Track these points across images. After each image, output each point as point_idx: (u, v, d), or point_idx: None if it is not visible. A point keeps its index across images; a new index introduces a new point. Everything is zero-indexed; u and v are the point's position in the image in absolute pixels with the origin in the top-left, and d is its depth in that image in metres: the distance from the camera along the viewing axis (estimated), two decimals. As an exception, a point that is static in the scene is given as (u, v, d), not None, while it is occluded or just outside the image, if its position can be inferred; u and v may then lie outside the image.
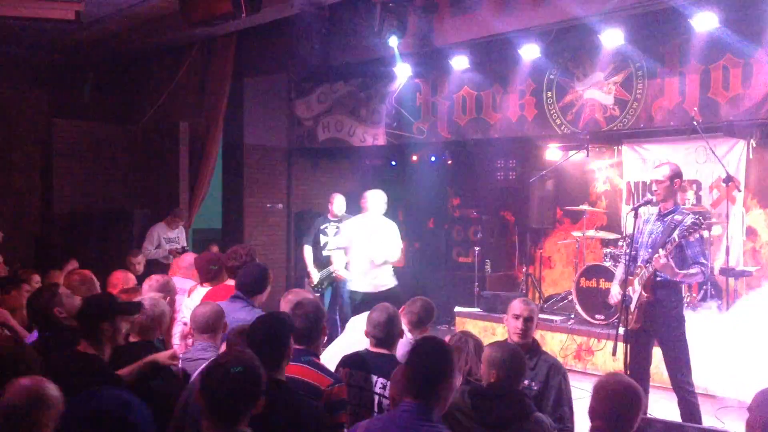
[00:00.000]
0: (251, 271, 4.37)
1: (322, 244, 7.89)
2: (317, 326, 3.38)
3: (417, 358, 2.63)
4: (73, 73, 9.25)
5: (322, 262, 7.75)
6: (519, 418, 2.91)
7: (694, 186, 7.61)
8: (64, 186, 8.50)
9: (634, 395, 2.65)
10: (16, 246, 7.89)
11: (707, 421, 4.81)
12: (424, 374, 2.57)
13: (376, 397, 3.39)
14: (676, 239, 4.35)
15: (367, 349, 3.57)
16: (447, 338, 3.47)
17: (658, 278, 4.55)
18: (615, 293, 4.87)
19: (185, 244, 8.32)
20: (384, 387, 3.36)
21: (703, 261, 4.51)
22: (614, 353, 4.63)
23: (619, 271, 5.12)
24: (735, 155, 7.27)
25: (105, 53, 8.90)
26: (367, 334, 3.59)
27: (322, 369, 3.25)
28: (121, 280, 4.94)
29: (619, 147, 8.30)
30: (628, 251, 4.89)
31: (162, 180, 8.74)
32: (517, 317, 3.84)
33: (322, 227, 7.94)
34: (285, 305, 4.04)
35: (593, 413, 2.68)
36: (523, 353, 3.25)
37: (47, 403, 2.25)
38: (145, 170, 9.01)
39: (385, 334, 3.53)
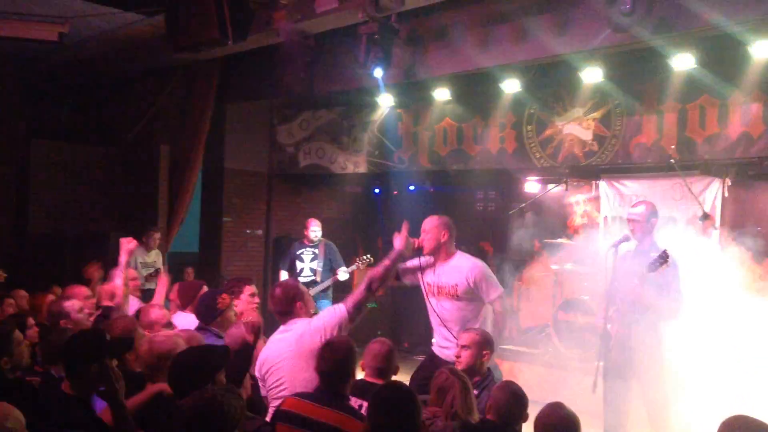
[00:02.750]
0: (202, 300, 4.38)
1: (298, 270, 7.89)
2: (347, 369, 3.27)
3: (381, 411, 2.58)
4: (52, 94, 9.17)
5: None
6: None
7: (670, 222, 7.70)
8: (40, 207, 8.39)
9: (572, 425, 2.79)
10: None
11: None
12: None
13: None
14: (646, 272, 4.40)
15: (363, 379, 3.58)
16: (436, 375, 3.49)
17: (637, 315, 4.58)
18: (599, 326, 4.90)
19: (160, 267, 8.22)
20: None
21: (679, 291, 4.55)
22: (594, 389, 4.64)
23: (601, 306, 5.16)
24: (711, 193, 7.38)
25: (85, 75, 8.85)
26: (364, 365, 3.60)
27: (355, 412, 3.16)
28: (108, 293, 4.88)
29: (597, 182, 8.40)
30: (607, 287, 4.92)
31: (140, 203, 8.67)
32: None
33: (298, 252, 7.95)
34: (227, 339, 3.95)
35: None
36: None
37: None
38: (124, 192, 8.93)
39: (385, 364, 3.57)
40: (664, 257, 4.31)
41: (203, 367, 2.90)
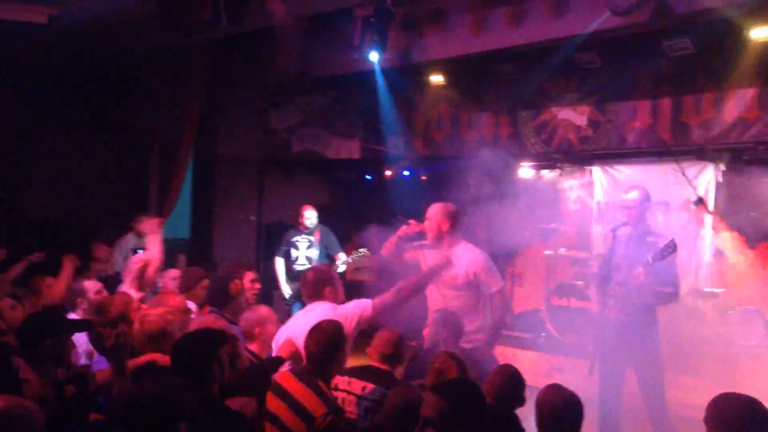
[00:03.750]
0: (214, 284, 4.39)
1: (293, 258, 7.83)
2: (333, 352, 3.31)
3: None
4: (42, 79, 9.04)
5: (294, 276, 7.68)
6: None
7: (663, 207, 7.71)
8: (35, 192, 8.31)
9: (575, 405, 2.83)
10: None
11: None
12: None
13: (364, 402, 3.43)
14: (650, 261, 4.40)
15: (370, 365, 3.64)
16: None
17: (634, 300, 4.59)
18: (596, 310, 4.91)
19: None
20: (373, 394, 3.41)
21: (676, 282, 4.58)
22: (591, 372, 4.65)
23: (592, 291, 5.17)
24: (705, 178, 7.41)
25: (76, 59, 8.72)
26: (371, 351, 3.67)
27: (324, 396, 3.19)
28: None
29: (591, 167, 8.39)
30: (602, 271, 4.92)
31: (132, 188, 8.59)
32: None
33: (293, 240, 7.89)
34: (242, 322, 4.03)
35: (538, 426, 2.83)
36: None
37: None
38: (116, 178, 8.84)
39: (392, 351, 3.63)
40: (672, 247, 4.31)
41: (205, 348, 2.92)
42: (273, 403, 3.22)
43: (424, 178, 10.01)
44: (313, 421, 3.03)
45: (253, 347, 3.88)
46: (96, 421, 2.85)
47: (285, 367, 3.56)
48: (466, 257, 4.73)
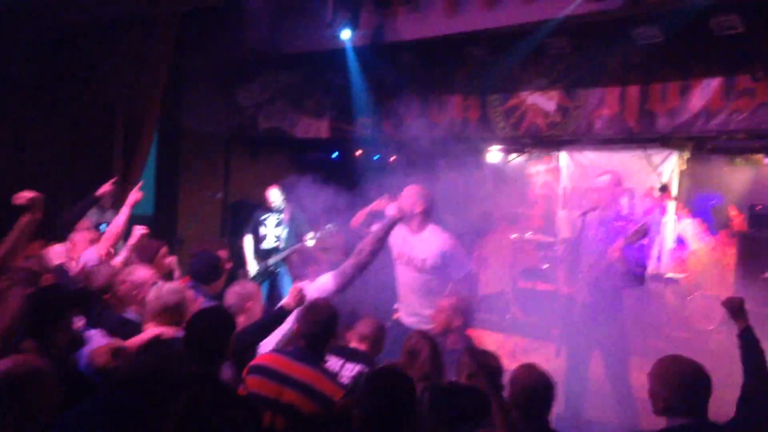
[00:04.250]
0: (204, 258, 4.32)
1: (261, 236, 7.77)
2: (328, 332, 3.30)
3: (375, 402, 2.56)
4: (1, 46, 8.72)
5: (261, 255, 7.63)
6: (481, 412, 2.92)
7: (628, 194, 7.84)
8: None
9: (547, 384, 2.88)
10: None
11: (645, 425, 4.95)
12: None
13: (345, 380, 3.44)
14: (623, 244, 4.46)
15: (346, 345, 3.68)
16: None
17: (602, 283, 4.65)
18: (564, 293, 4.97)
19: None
20: (352, 371, 3.45)
21: (644, 265, 4.66)
22: (557, 354, 4.72)
23: (561, 274, 5.23)
24: (669, 166, 7.55)
25: (34, 25, 8.42)
26: (350, 336, 3.70)
27: (335, 378, 3.21)
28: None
29: (558, 153, 8.48)
30: (571, 255, 4.99)
31: (95, 161, 8.36)
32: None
33: (261, 218, 7.82)
34: (232, 297, 3.99)
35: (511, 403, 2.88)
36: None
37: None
38: (78, 150, 8.59)
39: (372, 332, 3.69)
40: (643, 231, 4.37)
41: (225, 328, 2.95)
42: (264, 386, 3.12)
43: (392, 159, 9.99)
44: (331, 405, 2.99)
45: (240, 320, 3.85)
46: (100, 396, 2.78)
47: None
48: (434, 241, 4.74)
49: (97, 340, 3.24)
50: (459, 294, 4.43)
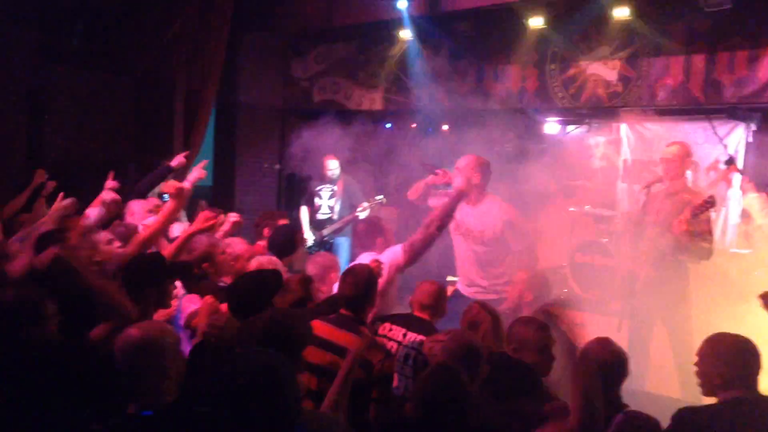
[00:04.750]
0: (283, 232, 4.41)
1: (316, 207, 7.85)
2: (367, 295, 3.34)
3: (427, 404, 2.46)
4: (63, 17, 8.90)
5: (316, 225, 7.71)
6: (530, 391, 2.90)
7: (692, 167, 7.61)
8: (54, 133, 8.25)
9: (621, 359, 2.85)
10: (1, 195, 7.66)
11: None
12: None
13: (405, 350, 3.43)
14: (688, 215, 4.35)
15: (410, 313, 3.64)
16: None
17: (666, 257, 4.56)
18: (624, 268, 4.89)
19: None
20: (413, 342, 3.41)
21: (711, 238, 4.54)
22: (619, 328, 4.65)
23: (624, 247, 5.13)
24: (735, 138, 7.29)
25: (97, -1, 8.59)
26: (413, 300, 3.65)
27: (375, 342, 3.24)
28: None
29: (619, 124, 8.27)
30: (635, 227, 4.89)
31: (155, 133, 8.54)
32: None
33: (317, 189, 7.89)
34: (314, 267, 4.07)
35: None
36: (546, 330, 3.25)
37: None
38: (139, 122, 8.78)
39: (433, 302, 3.59)
40: (711, 202, 4.26)
41: (262, 291, 3.03)
42: (315, 355, 3.16)
43: (445, 128, 9.89)
44: (371, 367, 3.04)
45: (322, 289, 3.95)
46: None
47: None
48: (494, 211, 4.70)
49: (194, 303, 3.41)
50: (526, 267, 4.42)
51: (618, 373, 2.83)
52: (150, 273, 3.08)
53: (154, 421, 2.18)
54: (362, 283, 3.32)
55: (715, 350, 2.82)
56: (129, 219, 5.21)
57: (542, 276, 4.34)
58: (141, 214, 5.21)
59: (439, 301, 3.65)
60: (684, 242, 4.38)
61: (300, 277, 3.72)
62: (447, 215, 4.20)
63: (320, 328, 3.25)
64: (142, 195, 5.25)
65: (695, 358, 4.54)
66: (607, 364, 2.77)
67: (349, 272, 3.40)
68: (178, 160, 5.42)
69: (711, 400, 2.84)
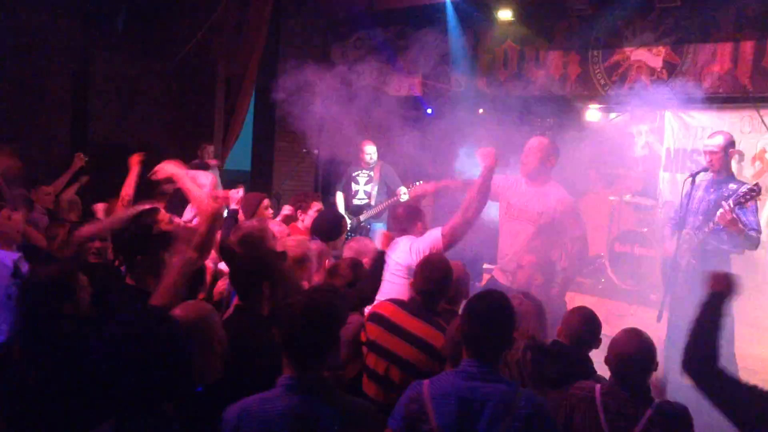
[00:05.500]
0: (327, 217, 4.44)
1: (353, 192, 7.86)
2: (443, 287, 3.30)
3: (479, 318, 2.46)
4: (107, 3, 9.06)
5: (353, 210, 7.73)
6: (579, 377, 2.88)
7: (737, 156, 7.44)
8: (98, 117, 8.42)
9: (649, 350, 2.76)
10: (45, 175, 7.85)
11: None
12: (488, 337, 2.41)
13: None
14: (732, 205, 4.26)
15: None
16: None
17: (708, 246, 4.47)
18: (668, 249, 4.80)
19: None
20: None
21: (758, 228, 4.44)
22: (659, 319, 4.59)
23: (667, 233, 5.04)
24: (783, 127, 7.10)
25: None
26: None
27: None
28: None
29: (662, 112, 8.10)
30: (678, 216, 4.80)
31: (197, 118, 8.65)
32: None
33: (354, 174, 7.90)
34: (348, 252, 4.09)
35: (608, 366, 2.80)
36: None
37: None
38: (180, 107, 8.90)
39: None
40: (756, 190, 4.17)
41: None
42: (382, 336, 3.21)
43: (481, 112, 9.79)
44: (444, 359, 3.02)
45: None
46: None
47: None
48: (555, 196, 4.68)
49: None
50: (570, 253, 4.40)
51: (645, 364, 2.75)
52: (139, 241, 3.15)
53: (205, 398, 2.22)
54: (437, 278, 3.28)
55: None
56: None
57: (548, 261, 4.31)
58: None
59: (458, 285, 3.61)
60: (729, 232, 4.29)
61: (350, 261, 3.75)
62: (483, 195, 4.13)
63: (393, 312, 3.27)
64: None
65: (734, 352, 4.48)
66: (633, 355, 2.72)
67: (425, 264, 3.35)
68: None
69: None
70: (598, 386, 2.76)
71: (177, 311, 2.34)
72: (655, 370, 2.86)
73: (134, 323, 1.98)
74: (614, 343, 2.84)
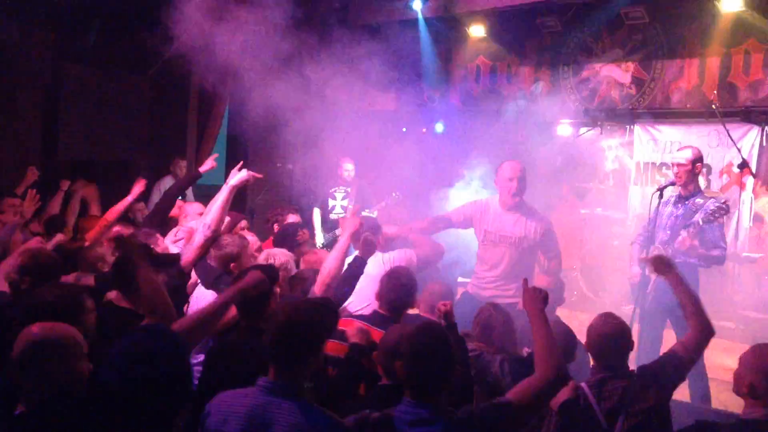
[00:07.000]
0: (284, 229, 4.51)
1: (329, 207, 7.88)
2: (407, 298, 3.40)
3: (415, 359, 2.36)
4: (79, 17, 8.98)
5: (329, 226, 7.74)
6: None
7: (704, 170, 7.59)
8: (69, 133, 8.32)
9: (624, 332, 3.04)
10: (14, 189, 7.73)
11: (715, 404, 4.86)
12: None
13: None
14: (700, 223, 4.35)
15: (417, 314, 3.69)
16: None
17: (678, 260, 4.54)
18: (635, 273, 4.88)
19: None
20: None
21: (723, 245, 4.53)
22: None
23: (635, 252, 5.12)
24: (748, 141, 7.25)
25: (112, -3, 8.65)
26: (419, 301, 3.69)
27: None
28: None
29: (632, 126, 8.24)
30: (647, 231, 4.88)
31: (169, 132, 8.60)
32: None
33: (331, 190, 7.92)
34: (303, 265, 4.10)
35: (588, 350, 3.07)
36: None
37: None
38: (153, 121, 8.85)
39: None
40: (725, 208, 4.26)
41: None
42: (340, 350, 3.16)
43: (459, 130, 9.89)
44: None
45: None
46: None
47: None
48: (533, 218, 4.76)
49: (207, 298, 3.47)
50: (549, 269, 4.48)
51: (622, 341, 3.01)
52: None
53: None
54: (402, 287, 3.37)
55: (757, 360, 2.73)
56: (183, 219, 5.31)
57: (559, 279, 4.42)
58: (193, 216, 5.30)
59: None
60: (693, 252, 4.40)
61: (290, 277, 3.80)
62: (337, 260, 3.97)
63: (351, 325, 3.27)
64: (172, 199, 5.27)
65: (703, 363, 4.56)
66: (611, 335, 2.97)
67: (391, 275, 3.41)
68: (208, 165, 5.49)
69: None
70: (582, 383, 2.96)
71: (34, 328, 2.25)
72: (632, 349, 3.13)
73: (141, 342, 2.04)
74: (592, 327, 3.09)
